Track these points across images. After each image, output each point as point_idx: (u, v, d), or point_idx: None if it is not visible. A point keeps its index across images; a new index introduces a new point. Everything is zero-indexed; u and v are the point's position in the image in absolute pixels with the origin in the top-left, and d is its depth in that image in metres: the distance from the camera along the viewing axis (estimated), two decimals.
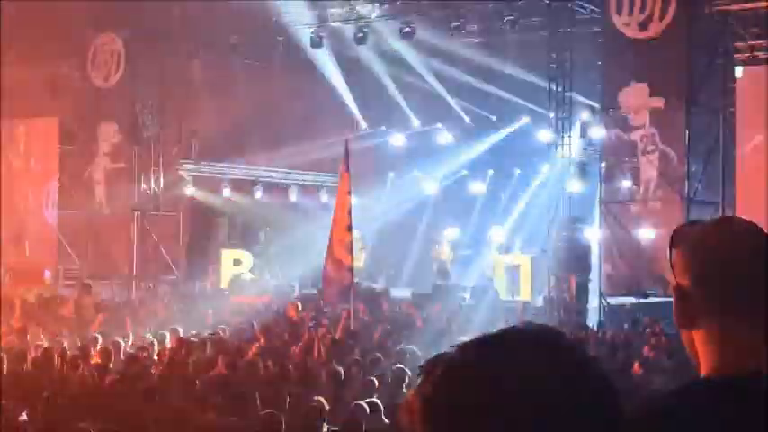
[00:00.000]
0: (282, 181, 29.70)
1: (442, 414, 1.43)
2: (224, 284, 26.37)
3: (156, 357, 13.51)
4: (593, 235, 22.58)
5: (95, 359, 12.51)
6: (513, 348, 1.46)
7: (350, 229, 16.50)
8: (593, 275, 22.10)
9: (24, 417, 9.04)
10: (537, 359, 1.44)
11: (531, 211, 26.77)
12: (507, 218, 27.92)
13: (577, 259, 21.64)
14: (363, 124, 29.91)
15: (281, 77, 26.62)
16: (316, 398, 9.39)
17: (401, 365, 11.47)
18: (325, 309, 19.94)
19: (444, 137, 29.46)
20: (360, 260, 25.19)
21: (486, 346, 1.47)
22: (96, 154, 27.42)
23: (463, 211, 29.23)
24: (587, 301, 21.65)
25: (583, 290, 21.70)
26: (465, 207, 29.34)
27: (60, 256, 26.97)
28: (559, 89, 23.06)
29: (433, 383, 1.45)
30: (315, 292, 25.09)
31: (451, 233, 27.94)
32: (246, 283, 25.87)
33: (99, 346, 13.47)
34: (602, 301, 21.60)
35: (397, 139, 30.01)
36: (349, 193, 16.60)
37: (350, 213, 16.32)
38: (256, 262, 27.29)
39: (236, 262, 27.03)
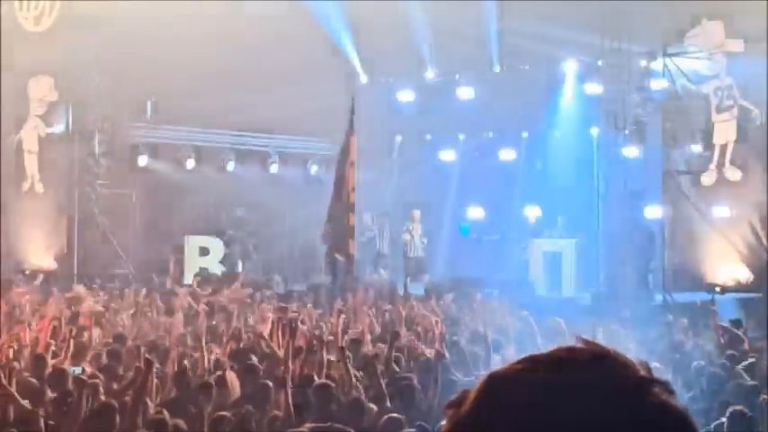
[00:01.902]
0: (262, 149, 29.61)
1: None
2: (188, 279, 26.29)
3: None
4: (655, 214, 22.52)
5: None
6: (575, 385, 1.48)
7: (353, 208, 16.53)
8: (655, 265, 22.10)
9: None
10: (604, 397, 1.47)
11: (575, 184, 26.68)
12: (545, 193, 27.82)
13: (636, 245, 21.59)
14: (363, 77, 29.77)
15: (261, 16, 26.21)
16: None
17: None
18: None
19: (465, 91, 29.28)
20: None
21: (542, 372, 1.51)
22: (26, 116, 27.38)
23: (488, 184, 29.13)
24: (649, 299, 21.61)
25: (642, 284, 21.70)
26: (490, 179, 29.23)
27: None
28: (610, 30, 22.95)
29: (473, 409, 1.52)
30: (304, 288, 25.10)
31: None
32: (216, 277, 25.76)
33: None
34: (666, 297, 21.56)
35: (406, 95, 29.88)
36: (353, 163, 16.61)
37: (353, 189, 16.35)
38: (228, 251, 27.21)
39: (204, 251, 26.98)
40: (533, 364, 1.52)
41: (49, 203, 27.15)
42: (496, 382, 1.52)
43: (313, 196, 26.99)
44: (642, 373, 1.52)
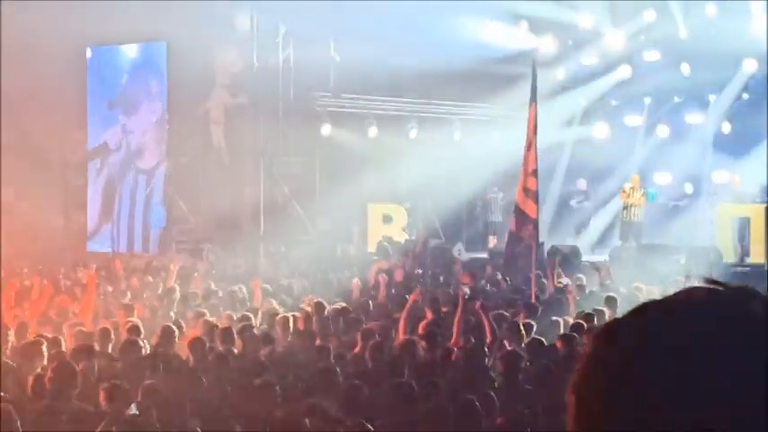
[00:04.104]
0: (444, 116, 29.73)
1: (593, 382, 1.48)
2: (371, 248, 26.59)
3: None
4: None
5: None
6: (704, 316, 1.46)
7: (535, 173, 16.63)
8: None
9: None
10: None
11: (764, 148, 26.15)
12: (741, 157, 27.27)
13: None
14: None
15: None
16: None
17: None
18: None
19: (650, 54, 28.83)
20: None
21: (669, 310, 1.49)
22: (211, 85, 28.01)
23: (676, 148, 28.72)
24: None
25: None
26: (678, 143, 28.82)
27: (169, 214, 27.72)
28: None
29: (592, 355, 1.50)
30: (486, 256, 25.19)
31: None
32: (400, 245, 25.91)
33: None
34: None
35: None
36: (535, 129, 16.68)
37: (536, 155, 16.44)
38: (411, 219, 27.37)
39: (387, 219, 27.21)
40: (687, 297, 1.50)
41: (235, 174, 27.82)
42: (654, 315, 1.50)
43: (491, 162, 27.00)
44: None
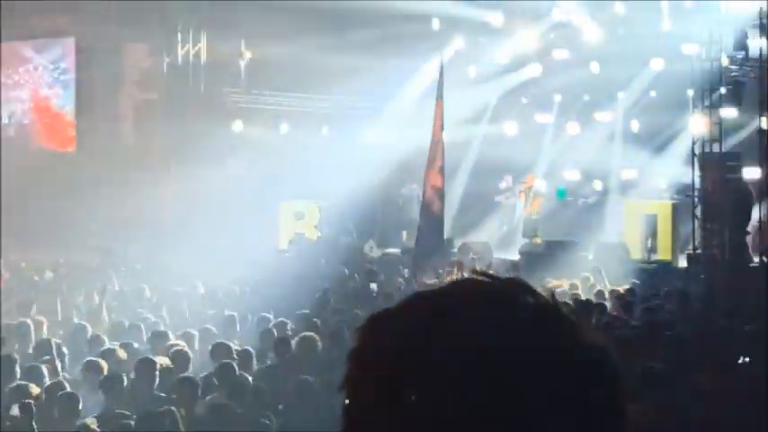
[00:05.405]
0: (353, 114, 29.74)
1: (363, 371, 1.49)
2: (282, 245, 26.57)
3: None
4: (754, 175, 22.30)
5: None
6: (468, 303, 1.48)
7: (442, 170, 16.75)
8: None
9: None
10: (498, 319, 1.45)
11: (672, 144, 26.58)
12: (649, 154, 27.64)
13: (734, 206, 21.39)
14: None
15: None
16: None
17: None
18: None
19: (559, 53, 29.11)
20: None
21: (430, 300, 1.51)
22: (123, 82, 27.85)
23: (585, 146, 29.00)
24: (747, 261, 21.44)
25: (740, 246, 21.49)
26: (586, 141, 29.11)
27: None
28: None
29: (362, 345, 1.51)
30: (398, 251, 25.28)
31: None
32: (311, 244, 25.86)
33: None
34: (765, 259, 21.38)
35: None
36: (442, 127, 16.81)
37: (443, 152, 16.56)
38: (323, 216, 27.36)
39: (299, 216, 27.20)
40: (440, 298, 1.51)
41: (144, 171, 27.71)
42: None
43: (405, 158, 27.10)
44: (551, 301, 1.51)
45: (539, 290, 1.52)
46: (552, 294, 1.53)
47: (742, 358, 11.78)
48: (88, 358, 11.24)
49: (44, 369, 10.84)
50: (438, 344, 1.43)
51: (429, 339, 1.44)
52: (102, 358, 11.08)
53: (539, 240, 25.13)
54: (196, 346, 12.87)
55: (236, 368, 10.72)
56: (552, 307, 1.50)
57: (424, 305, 1.50)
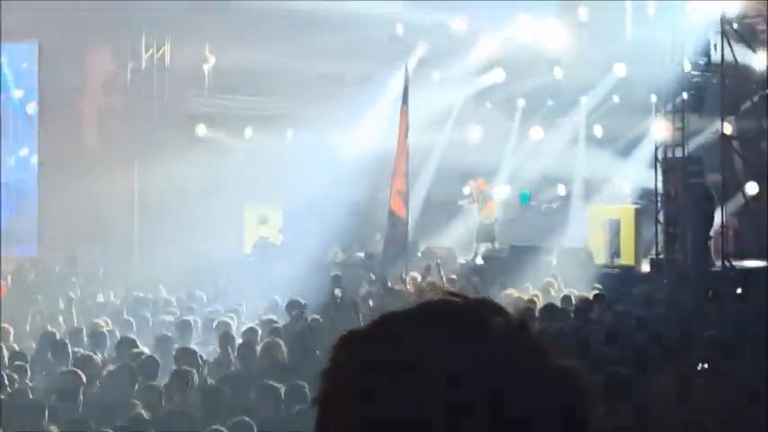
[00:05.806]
0: (318, 119, 29.61)
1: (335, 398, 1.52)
2: (247, 249, 26.54)
3: None
4: (716, 179, 22.43)
5: None
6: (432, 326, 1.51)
7: (406, 174, 16.79)
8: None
9: None
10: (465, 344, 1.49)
11: (636, 149, 26.69)
12: (612, 159, 27.72)
13: (696, 210, 21.51)
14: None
15: None
16: None
17: None
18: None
19: None
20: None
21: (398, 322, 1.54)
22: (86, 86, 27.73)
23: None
24: (709, 265, 21.55)
25: (703, 250, 21.59)
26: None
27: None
28: None
29: (333, 364, 1.54)
30: (362, 255, 25.25)
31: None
32: (275, 248, 25.84)
33: None
34: (727, 263, 21.51)
35: None
36: (407, 131, 16.86)
37: (408, 157, 16.61)
38: (288, 219, 27.32)
39: (263, 220, 27.14)
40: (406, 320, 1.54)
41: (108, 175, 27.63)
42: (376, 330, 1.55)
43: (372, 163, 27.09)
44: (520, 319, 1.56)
45: (505, 306, 1.57)
46: (521, 313, 1.56)
47: (701, 364, 11.86)
48: (62, 368, 11.17)
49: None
50: (410, 366, 1.46)
51: (401, 361, 1.47)
52: (74, 365, 11.02)
53: (495, 245, 25.16)
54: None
55: (196, 374, 10.68)
56: (521, 326, 1.54)
57: (397, 326, 1.53)
